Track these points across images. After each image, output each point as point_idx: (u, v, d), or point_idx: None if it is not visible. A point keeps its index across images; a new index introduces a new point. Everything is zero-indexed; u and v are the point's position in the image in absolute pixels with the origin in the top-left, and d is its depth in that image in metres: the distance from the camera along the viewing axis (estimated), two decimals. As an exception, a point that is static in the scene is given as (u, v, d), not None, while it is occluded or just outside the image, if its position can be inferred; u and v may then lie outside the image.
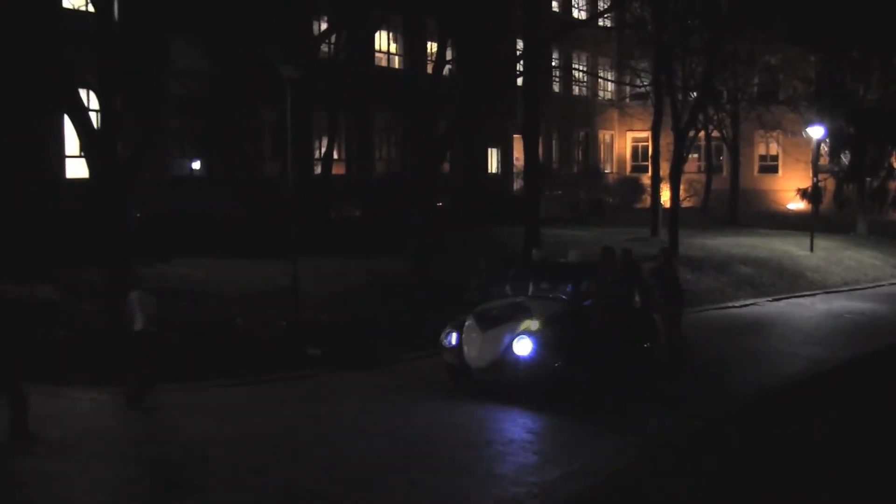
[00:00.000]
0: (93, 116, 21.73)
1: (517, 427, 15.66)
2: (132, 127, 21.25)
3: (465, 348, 17.62)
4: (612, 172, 61.79)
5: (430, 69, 39.29)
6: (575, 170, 57.58)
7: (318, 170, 35.99)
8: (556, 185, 50.28)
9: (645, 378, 19.16)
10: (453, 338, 17.89)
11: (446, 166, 41.82)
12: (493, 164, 51.53)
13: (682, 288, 22.06)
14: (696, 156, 57.49)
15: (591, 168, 58.84)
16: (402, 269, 27.77)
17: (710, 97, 44.21)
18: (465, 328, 17.83)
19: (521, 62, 35.98)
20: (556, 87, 55.50)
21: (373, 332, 22.00)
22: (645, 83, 49.20)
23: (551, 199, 45.95)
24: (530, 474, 13.13)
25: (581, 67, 58.16)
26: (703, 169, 57.94)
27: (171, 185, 31.81)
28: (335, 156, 37.04)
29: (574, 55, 57.61)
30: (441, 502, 12.18)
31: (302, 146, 32.02)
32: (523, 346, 17.20)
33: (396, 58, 44.71)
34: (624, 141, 63.87)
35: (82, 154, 24.64)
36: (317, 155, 36.91)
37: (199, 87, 31.62)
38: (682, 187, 40.12)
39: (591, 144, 61.21)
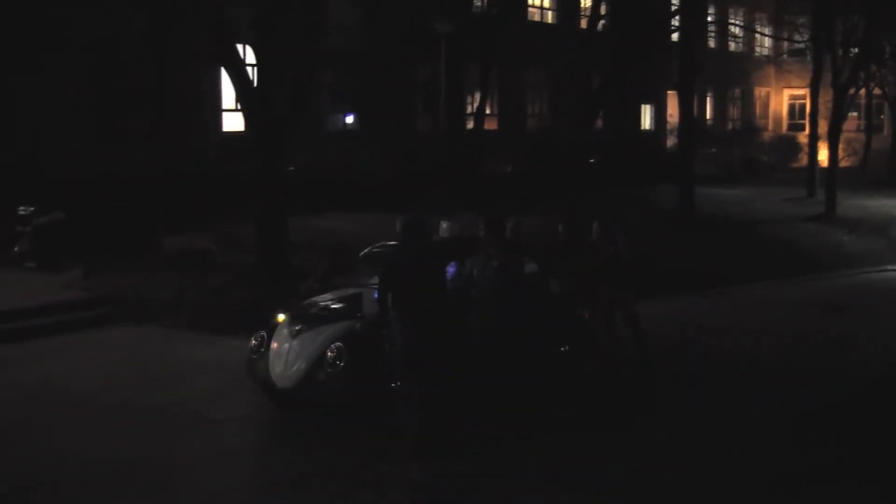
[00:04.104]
0: (249, 71, 22.04)
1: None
2: (288, 81, 21.45)
3: (271, 359, 12.54)
4: (767, 130, 60.52)
5: (583, 24, 38.97)
6: (729, 127, 56.54)
7: (470, 125, 35.98)
8: (710, 143, 49.42)
9: (565, 396, 13.37)
10: (262, 344, 12.85)
11: (599, 123, 41.46)
12: (647, 121, 50.99)
13: (635, 270, 15.79)
14: (855, 114, 55.76)
15: (746, 125, 57.70)
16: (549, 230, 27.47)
17: (872, 53, 42.83)
18: (275, 331, 12.86)
19: (677, 17, 35.41)
20: (711, 43, 54.55)
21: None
22: (804, 39, 47.98)
23: (705, 157, 45.16)
24: None
25: (737, 22, 56.97)
26: (862, 128, 56.27)
27: (324, 140, 32.14)
28: (487, 111, 36.96)
29: (730, 10, 56.51)
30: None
31: (454, 102, 32.06)
32: (339, 358, 12.01)
33: (549, 12, 44.35)
34: (780, 98, 62.46)
35: (238, 108, 25.07)
36: (468, 110, 36.93)
37: (354, 43, 31.88)
38: (840, 146, 39.05)
39: (746, 101, 60.06)
